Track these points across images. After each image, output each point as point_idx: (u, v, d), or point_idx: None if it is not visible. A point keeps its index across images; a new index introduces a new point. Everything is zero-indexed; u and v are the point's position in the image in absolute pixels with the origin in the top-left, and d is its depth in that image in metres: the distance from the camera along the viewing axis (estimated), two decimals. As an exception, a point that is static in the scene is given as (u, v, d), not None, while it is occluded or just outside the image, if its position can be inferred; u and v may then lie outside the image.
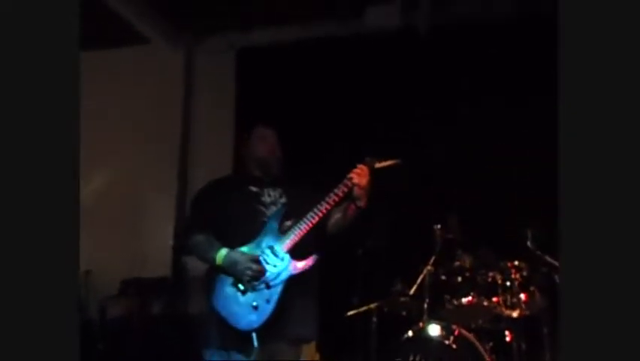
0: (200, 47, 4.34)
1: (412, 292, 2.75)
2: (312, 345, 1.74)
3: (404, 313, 2.81)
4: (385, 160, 1.80)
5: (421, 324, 2.58)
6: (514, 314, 2.65)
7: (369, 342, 2.58)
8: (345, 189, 1.72)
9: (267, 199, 1.76)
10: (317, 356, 1.78)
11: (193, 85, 4.35)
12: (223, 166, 3.55)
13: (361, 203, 1.72)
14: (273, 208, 1.74)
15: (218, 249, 1.65)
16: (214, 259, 1.65)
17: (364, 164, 1.76)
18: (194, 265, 3.21)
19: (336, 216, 1.81)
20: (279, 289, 1.61)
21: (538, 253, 2.74)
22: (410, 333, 2.50)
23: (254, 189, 1.78)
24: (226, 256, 1.64)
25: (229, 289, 1.63)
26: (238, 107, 4.13)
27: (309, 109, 3.76)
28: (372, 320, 2.63)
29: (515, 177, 3.39)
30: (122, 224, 4.04)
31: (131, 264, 3.85)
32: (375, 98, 3.68)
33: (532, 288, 2.78)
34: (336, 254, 2.74)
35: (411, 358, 2.34)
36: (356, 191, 1.70)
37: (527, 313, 2.71)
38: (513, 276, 2.73)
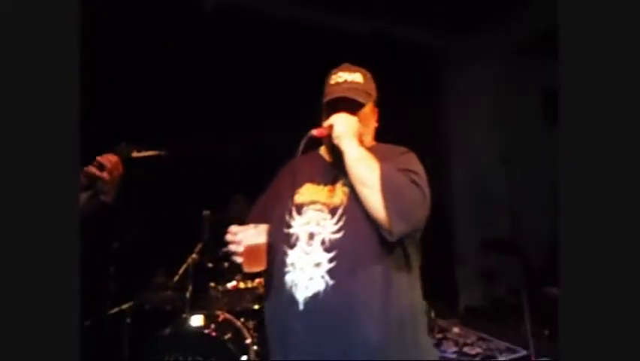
0: None
1: (174, 282, 2.64)
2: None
3: (168, 307, 2.68)
4: (146, 150, 1.56)
5: (184, 316, 2.50)
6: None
7: (122, 348, 2.36)
8: (84, 180, 1.42)
9: None
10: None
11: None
12: None
13: (107, 198, 1.45)
14: None
15: None
16: None
17: (116, 152, 1.50)
18: None
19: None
20: None
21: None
22: (167, 330, 2.39)
23: None
24: None
25: None
26: None
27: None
28: (125, 322, 2.41)
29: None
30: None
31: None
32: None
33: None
34: (89, 248, 2.38)
35: (166, 358, 2.23)
36: (101, 184, 1.43)
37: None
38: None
